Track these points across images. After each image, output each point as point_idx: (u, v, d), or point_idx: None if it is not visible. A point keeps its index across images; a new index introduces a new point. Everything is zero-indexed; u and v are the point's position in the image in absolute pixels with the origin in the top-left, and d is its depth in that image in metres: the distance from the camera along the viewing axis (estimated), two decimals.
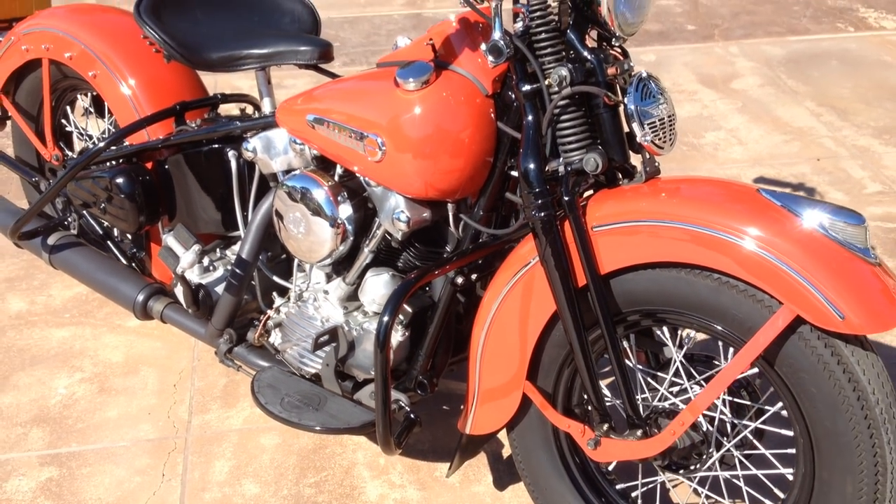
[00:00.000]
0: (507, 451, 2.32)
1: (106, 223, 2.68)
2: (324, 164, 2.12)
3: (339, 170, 2.08)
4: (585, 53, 1.74)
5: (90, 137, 2.78)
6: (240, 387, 2.54)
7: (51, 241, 2.61)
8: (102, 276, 2.53)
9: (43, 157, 2.76)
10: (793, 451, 1.74)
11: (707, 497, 1.92)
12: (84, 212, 2.63)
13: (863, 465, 1.62)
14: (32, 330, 2.78)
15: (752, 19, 5.17)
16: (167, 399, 2.50)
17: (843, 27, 5.06)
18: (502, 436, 2.32)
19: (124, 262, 2.63)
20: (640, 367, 1.91)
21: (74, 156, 2.78)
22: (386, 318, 1.85)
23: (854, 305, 1.54)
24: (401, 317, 2.03)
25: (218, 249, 2.41)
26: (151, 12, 2.24)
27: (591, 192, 1.82)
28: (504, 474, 2.26)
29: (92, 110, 2.73)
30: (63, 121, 2.78)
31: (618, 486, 2.01)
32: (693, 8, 5.35)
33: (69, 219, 2.66)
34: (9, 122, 2.92)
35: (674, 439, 1.75)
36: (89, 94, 2.71)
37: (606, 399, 1.86)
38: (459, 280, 1.97)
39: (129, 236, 2.69)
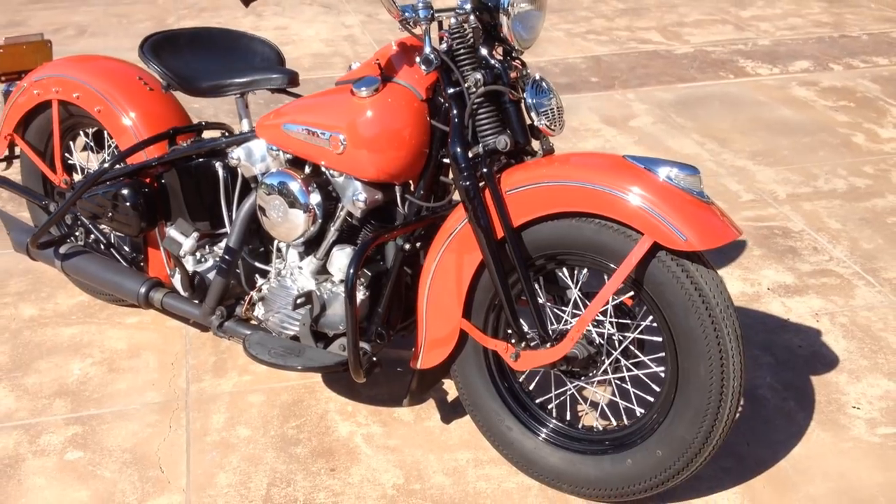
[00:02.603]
0: (450, 397, 2.86)
1: (111, 231, 3.19)
2: (295, 165, 2.68)
3: (307, 169, 2.65)
4: (494, 62, 2.35)
5: (90, 168, 3.31)
6: (227, 362, 3.05)
7: (62, 250, 3.11)
8: (109, 275, 3.03)
9: (53, 182, 3.28)
10: (663, 354, 2.33)
11: (602, 398, 2.49)
12: (90, 223, 3.16)
13: (710, 351, 2.18)
14: (45, 329, 3.26)
15: (646, 71, 5.91)
16: (167, 374, 3.00)
17: (724, 75, 5.81)
18: (446, 386, 2.88)
19: (125, 264, 3.14)
20: (548, 304, 2.48)
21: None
22: (351, 271, 2.40)
23: (693, 230, 2.12)
24: (362, 279, 2.57)
25: (207, 245, 2.94)
26: (153, 52, 2.82)
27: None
28: (449, 412, 2.80)
29: (92, 144, 3.26)
30: (66, 154, 3.31)
31: (537, 400, 2.57)
32: (596, 64, 6.08)
33: (77, 232, 3.18)
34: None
35: (573, 344, 2.31)
36: (90, 132, 3.25)
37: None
38: (407, 246, 2.54)
39: (126, 246, 3.21)
